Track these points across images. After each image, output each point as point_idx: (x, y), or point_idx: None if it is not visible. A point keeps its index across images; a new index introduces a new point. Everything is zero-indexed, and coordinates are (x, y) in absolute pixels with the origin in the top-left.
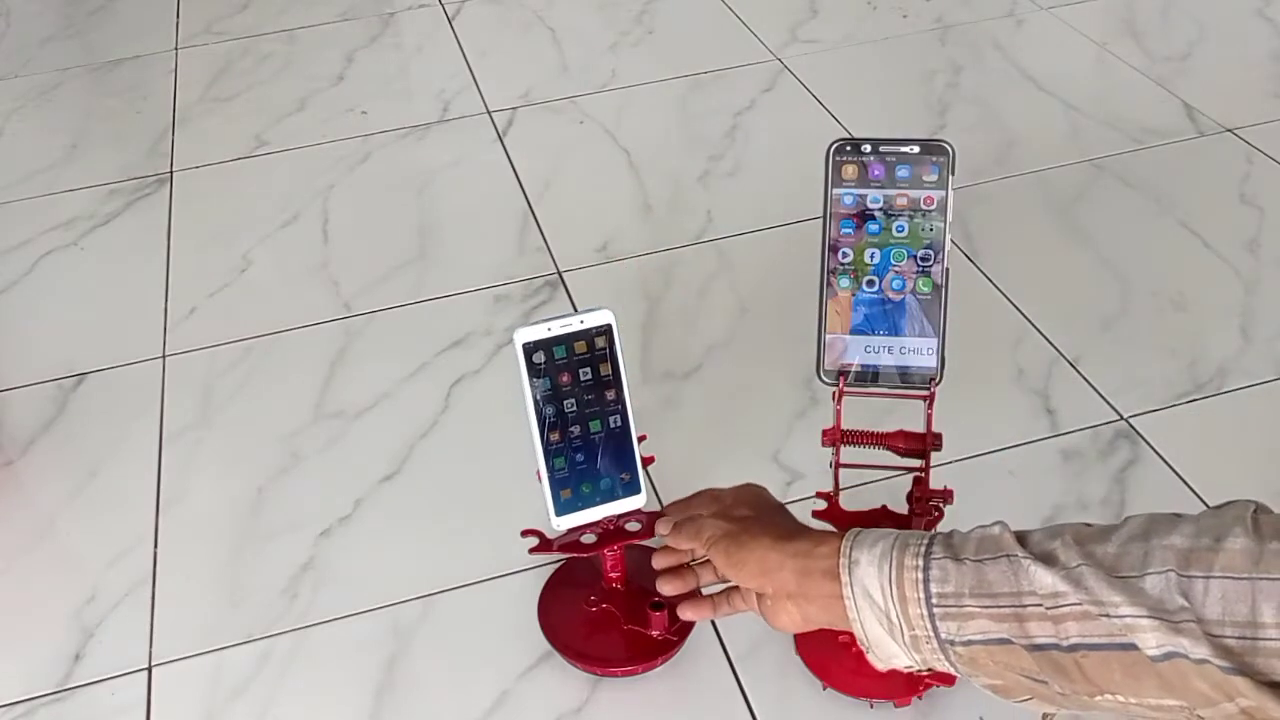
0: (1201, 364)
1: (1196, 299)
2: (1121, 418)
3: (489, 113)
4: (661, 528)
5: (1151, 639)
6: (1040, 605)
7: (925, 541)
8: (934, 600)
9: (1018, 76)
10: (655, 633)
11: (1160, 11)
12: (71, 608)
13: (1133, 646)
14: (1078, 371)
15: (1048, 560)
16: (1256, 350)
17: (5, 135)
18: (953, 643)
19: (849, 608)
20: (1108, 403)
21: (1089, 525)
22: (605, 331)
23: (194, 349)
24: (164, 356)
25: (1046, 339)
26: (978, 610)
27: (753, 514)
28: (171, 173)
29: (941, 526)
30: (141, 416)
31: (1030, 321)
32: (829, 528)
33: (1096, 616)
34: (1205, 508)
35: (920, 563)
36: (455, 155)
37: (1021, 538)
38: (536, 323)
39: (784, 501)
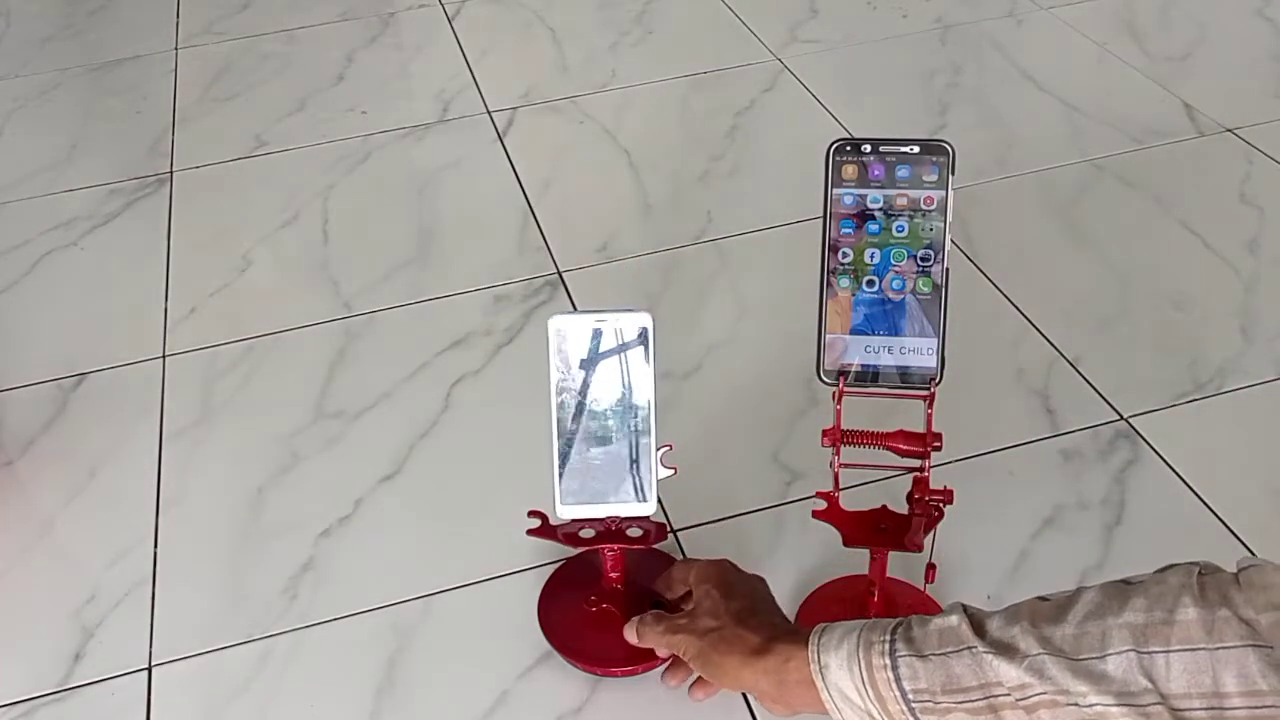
0: (1201, 364)
1: (1196, 299)
2: (1121, 418)
3: (489, 113)
4: (629, 634)
5: None
6: (1009, 696)
7: (888, 639)
8: (910, 697)
9: (1018, 76)
10: None
11: (1160, 11)
12: (71, 608)
13: None
14: (1078, 371)
15: (1008, 651)
16: (1256, 350)
17: (5, 135)
18: None
19: (831, 712)
20: (1108, 403)
21: (1044, 600)
22: (642, 333)
23: (194, 349)
24: (164, 356)
25: (1046, 339)
26: (953, 705)
27: (716, 625)
28: (171, 173)
29: (942, 526)
30: (141, 416)
31: (1030, 321)
32: (829, 526)
33: (1065, 705)
34: (1154, 571)
35: (888, 661)
36: (455, 155)
37: (979, 626)
38: (577, 312)
39: (784, 501)
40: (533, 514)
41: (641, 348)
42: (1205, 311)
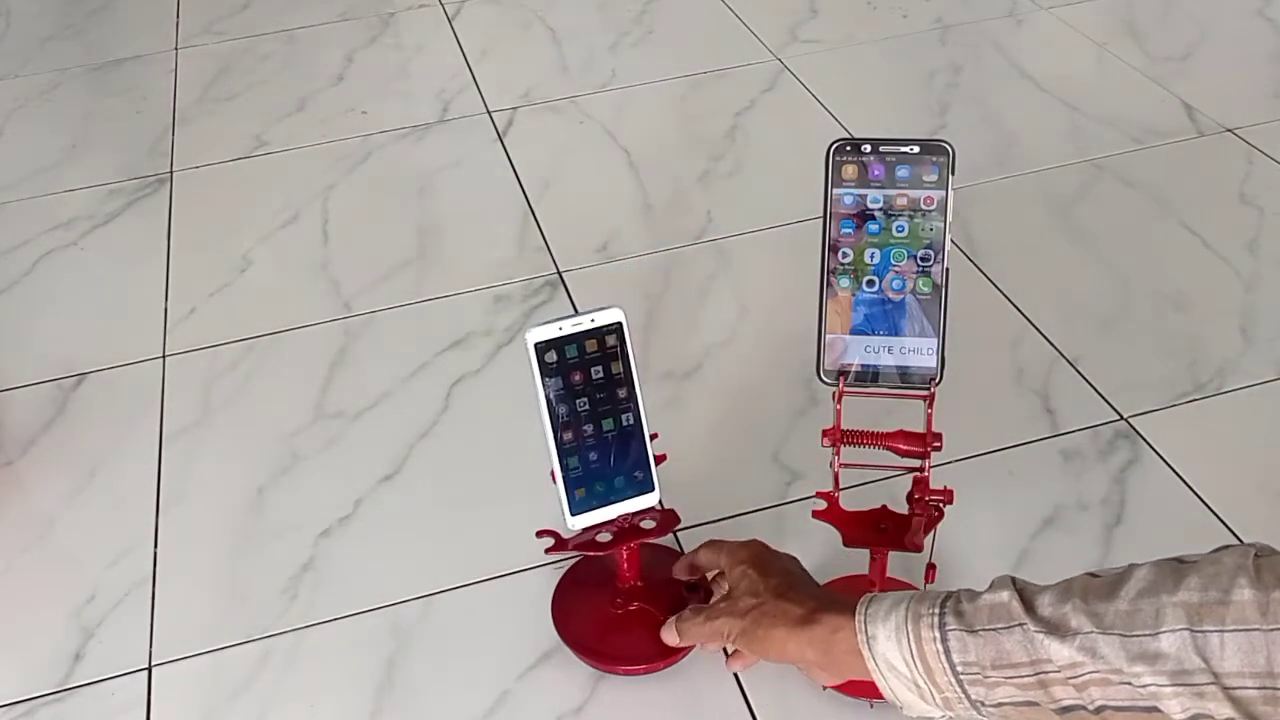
0: (1201, 364)
1: (1196, 299)
2: (1121, 418)
3: (489, 113)
4: (668, 636)
5: (1175, 705)
6: (1059, 673)
7: (937, 611)
8: (959, 669)
9: (1018, 76)
10: None
11: (1160, 11)
12: (71, 608)
13: (1157, 710)
14: (1078, 371)
15: (1059, 629)
16: (1256, 350)
17: (5, 135)
18: (983, 703)
19: (878, 681)
20: (1108, 403)
21: (1094, 576)
22: (616, 329)
23: (194, 349)
24: (164, 356)
25: (1046, 339)
26: (1001, 680)
27: (757, 601)
28: (171, 173)
29: (942, 526)
30: (141, 416)
31: (1030, 321)
32: (829, 526)
33: (1118, 683)
34: (1208, 551)
35: (937, 634)
36: (455, 155)
37: (1029, 602)
38: (548, 322)
39: (784, 501)
40: (542, 534)
41: (619, 344)
42: (1205, 311)
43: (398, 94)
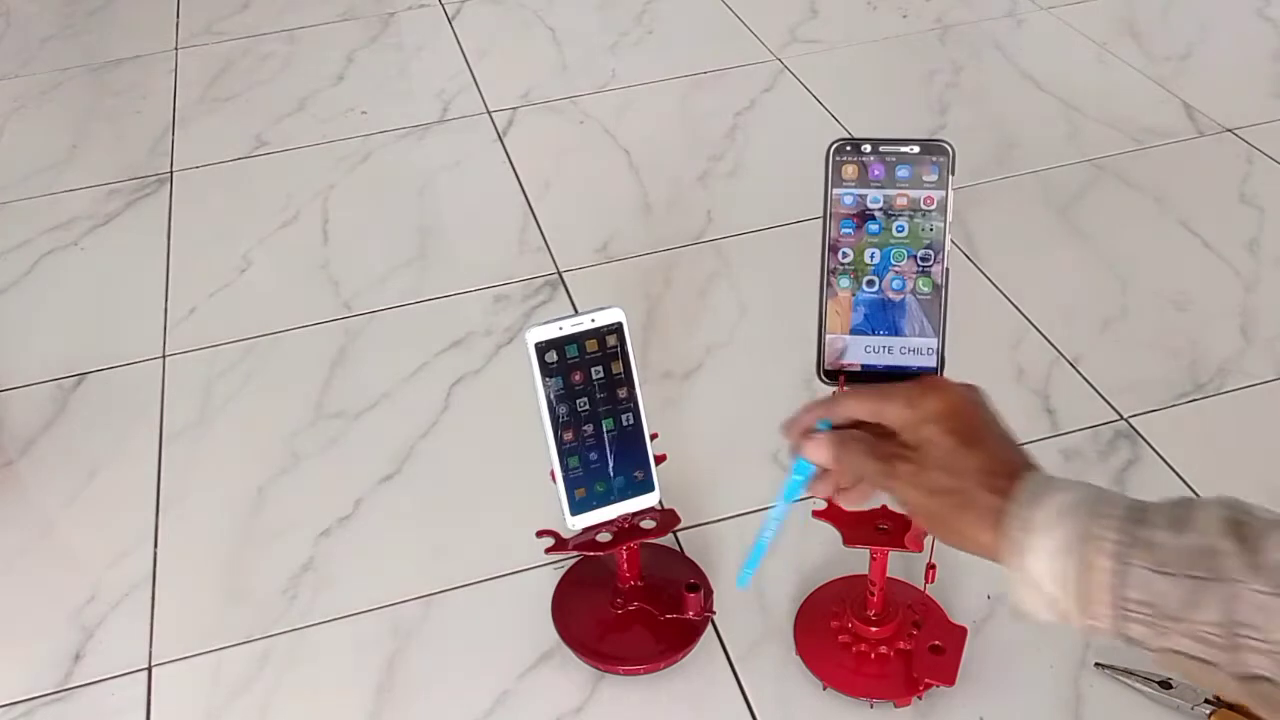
0: (1201, 364)
1: (1196, 299)
2: (1121, 418)
3: (489, 113)
4: (815, 452)
5: None
6: (1264, 643)
7: (1121, 540)
8: (1130, 608)
9: (1018, 76)
10: (692, 614)
11: (1160, 11)
12: (71, 608)
13: None
14: (1078, 371)
15: None
16: (1256, 350)
17: (5, 135)
18: (1143, 644)
19: (1012, 589)
20: (1108, 403)
21: None
22: (616, 330)
23: (194, 349)
24: (164, 356)
25: (1046, 339)
26: (1180, 632)
27: (957, 485)
28: (171, 173)
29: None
30: (141, 416)
31: (1030, 321)
32: (830, 526)
33: None
34: None
35: (1113, 565)
36: (455, 155)
37: (1254, 547)
38: (548, 322)
39: None
40: (542, 534)
41: (619, 344)
42: (1205, 311)
43: (398, 94)
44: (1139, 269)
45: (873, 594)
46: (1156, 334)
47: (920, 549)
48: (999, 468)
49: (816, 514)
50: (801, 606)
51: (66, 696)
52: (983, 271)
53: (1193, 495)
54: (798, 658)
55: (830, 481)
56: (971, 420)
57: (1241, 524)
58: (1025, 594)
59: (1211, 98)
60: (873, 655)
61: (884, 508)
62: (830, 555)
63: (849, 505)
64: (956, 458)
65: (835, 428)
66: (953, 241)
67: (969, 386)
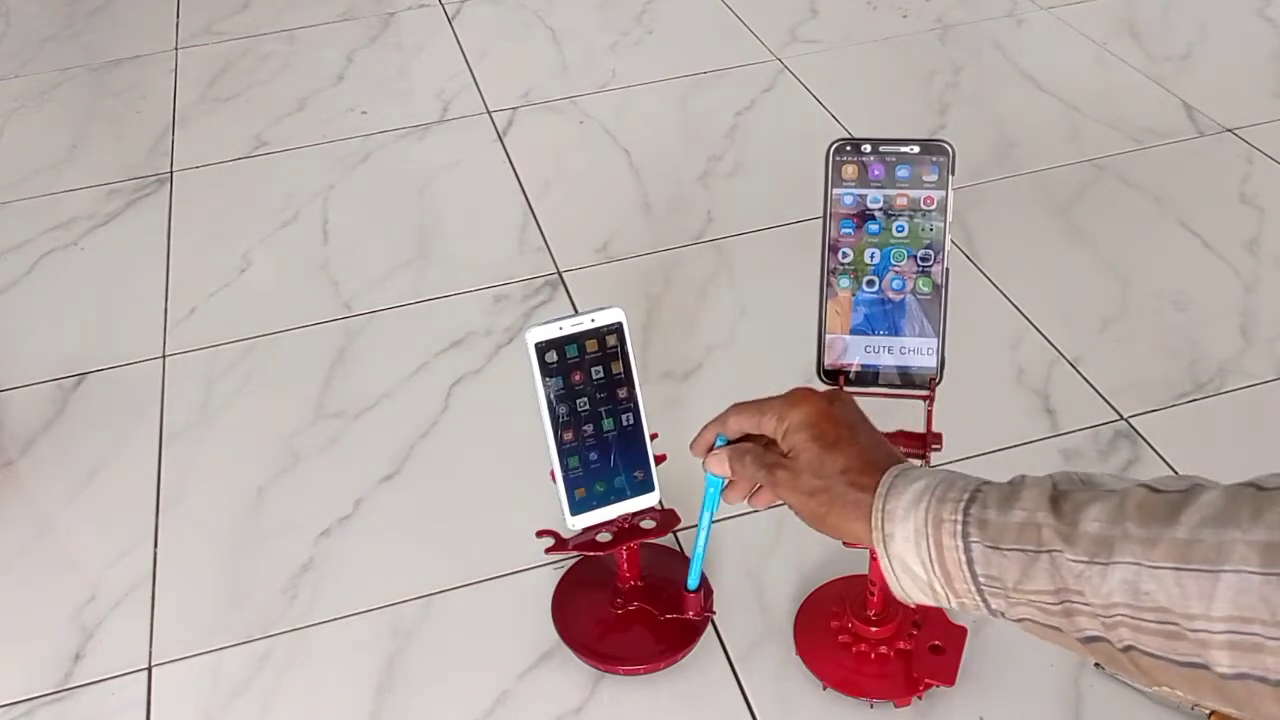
0: (1201, 364)
1: (1196, 299)
2: (1121, 418)
3: (489, 113)
4: (715, 465)
5: (1224, 657)
6: (1088, 607)
7: (959, 520)
8: (981, 581)
9: (1018, 76)
10: (692, 614)
11: (1160, 11)
12: (71, 608)
13: (1200, 665)
14: (1078, 371)
15: (1101, 556)
16: (1256, 350)
17: (5, 135)
18: (1004, 615)
19: (890, 580)
20: (1108, 403)
21: (1154, 491)
22: (616, 329)
23: (194, 349)
24: (164, 356)
25: (1046, 339)
26: (1024, 600)
27: (823, 485)
28: (171, 173)
29: None
30: (141, 416)
31: (1030, 321)
32: None
33: (1155, 626)
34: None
35: (960, 544)
36: (455, 155)
37: (1070, 518)
38: (548, 322)
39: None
40: (542, 534)
41: (619, 344)
42: (1205, 311)
43: (398, 94)
44: (1139, 269)
45: (872, 594)
46: (1156, 334)
47: None
48: (862, 466)
49: None
50: (801, 606)
51: (66, 696)
52: (983, 271)
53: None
54: (798, 658)
55: (738, 490)
56: (835, 426)
57: (1062, 496)
58: (901, 579)
59: (1211, 98)
60: (873, 655)
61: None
62: (830, 555)
63: (760, 507)
64: (823, 461)
65: (731, 441)
66: (953, 241)
67: (833, 394)
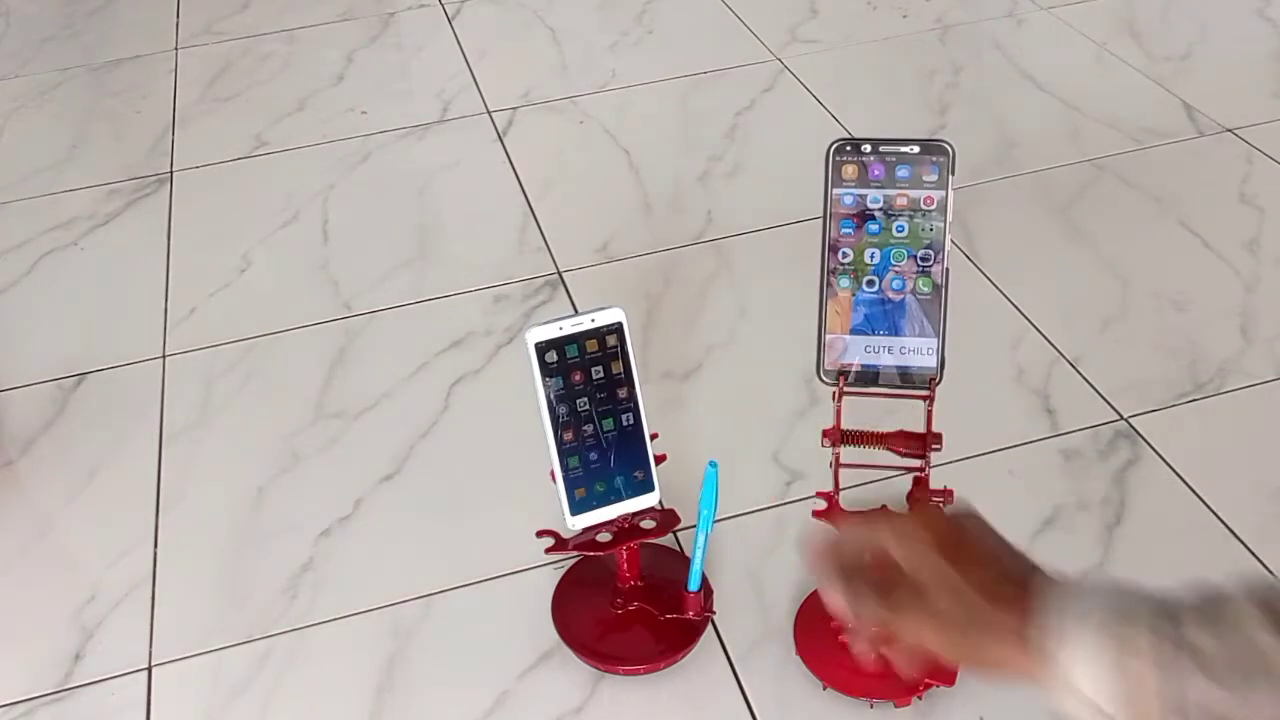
0: (1201, 364)
1: (1196, 299)
2: (1121, 418)
3: (489, 113)
4: (831, 599)
5: None
6: None
7: (1158, 643)
8: (1185, 713)
9: (1018, 76)
10: (692, 614)
11: (1160, 11)
12: (71, 608)
13: None
14: (1078, 371)
15: None
16: (1256, 350)
17: (5, 135)
18: None
19: (1058, 702)
20: (1108, 403)
21: None
22: (616, 330)
23: (194, 349)
24: (164, 356)
25: (1046, 339)
26: None
27: (961, 607)
28: (171, 173)
29: None
30: (141, 416)
31: (1030, 321)
32: (830, 526)
33: None
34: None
35: (1158, 674)
36: (455, 155)
37: None
38: (548, 322)
39: (784, 501)
40: (542, 534)
41: (619, 344)
42: (1205, 311)
43: (398, 94)
44: (1139, 269)
45: None
46: (1156, 334)
47: None
48: (1003, 580)
49: (816, 513)
50: (802, 607)
51: (66, 696)
52: (983, 271)
53: (1187, 498)
54: (798, 658)
55: (861, 640)
56: (962, 541)
57: (1268, 599)
58: (1073, 708)
59: (1211, 98)
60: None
61: (884, 508)
62: None
63: (900, 662)
64: (957, 583)
65: (845, 564)
66: (952, 241)
67: (952, 512)
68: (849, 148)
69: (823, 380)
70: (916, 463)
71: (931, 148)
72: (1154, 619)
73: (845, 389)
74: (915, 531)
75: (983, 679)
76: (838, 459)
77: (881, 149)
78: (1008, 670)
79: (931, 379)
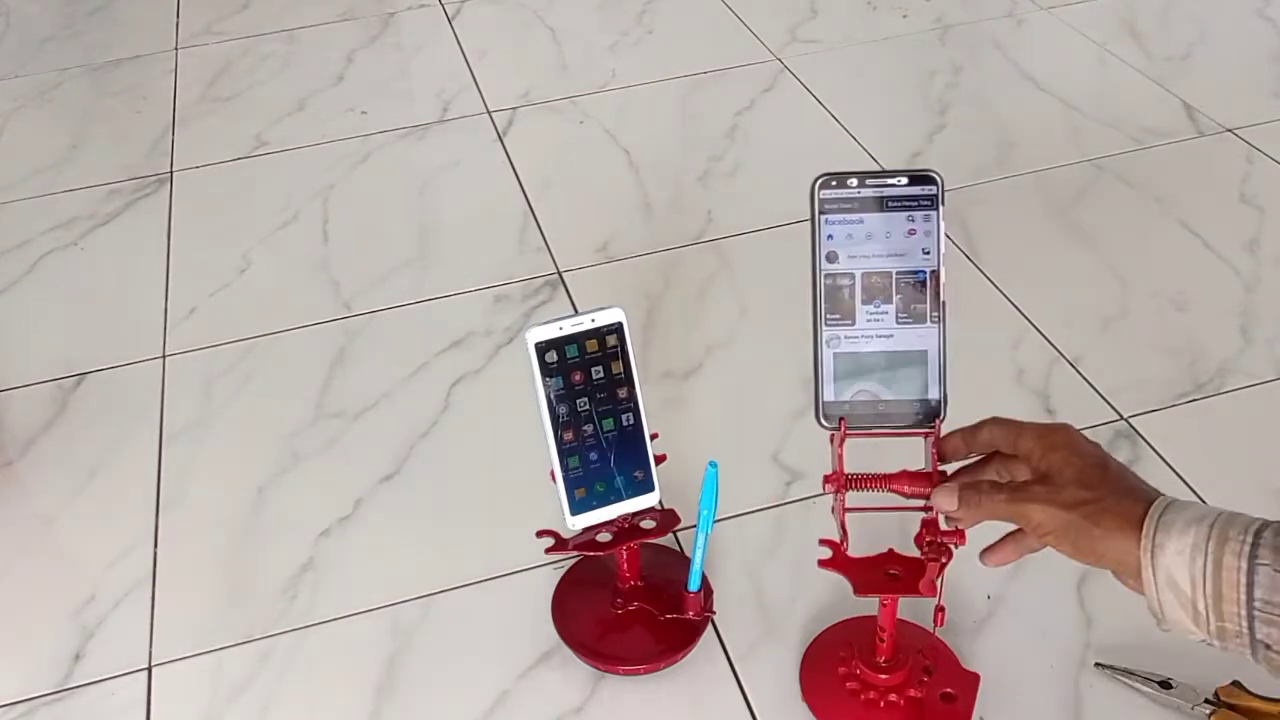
0: (1201, 364)
1: (1196, 299)
2: (1121, 418)
3: (489, 113)
4: (944, 500)
5: None
6: None
7: (1249, 540)
8: (1256, 604)
9: (1018, 76)
10: (692, 614)
11: (1160, 11)
12: (71, 608)
13: None
14: (1078, 371)
15: None
16: (1256, 350)
17: (5, 135)
18: (1267, 645)
19: (1147, 590)
20: (1108, 403)
21: None
22: (616, 330)
23: (194, 349)
24: (164, 356)
25: (1046, 339)
26: None
27: (1093, 495)
28: (171, 173)
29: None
30: (141, 416)
31: (1030, 321)
32: (829, 526)
33: None
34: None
35: (1243, 565)
36: (455, 155)
37: None
38: (548, 322)
39: (784, 502)
40: (542, 534)
41: (619, 344)
42: (1205, 311)
43: (398, 94)
44: (1139, 269)
45: (882, 640)
46: (1156, 334)
47: (934, 593)
48: (1133, 485)
49: (822, 563)
50: (808, 650)
51: (66, 696)
52: (983, 271)
53: (1186, 497)
54: (804, 704)
55: (965, 521)
56: (1097, 450)
57: None
58: (1162, 593)
59: (1211, 98)
60: (882, 703)
61: (891, 551)
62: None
63: (992, 563)
64: (1092, 475)
65: (968, 453)
66: (952, 241)
67: (1069, 428)
68: (834, 181)
69: (822, 425)
70: (922, 502)
71: (919, 178)
72: (1253, 526)
73: (846, 432)
74: (1058, 438)
75: (1088, 563)
76: (843, 504)
77: (869, 181)
78: (1115, 560)
79: (935, 416)
